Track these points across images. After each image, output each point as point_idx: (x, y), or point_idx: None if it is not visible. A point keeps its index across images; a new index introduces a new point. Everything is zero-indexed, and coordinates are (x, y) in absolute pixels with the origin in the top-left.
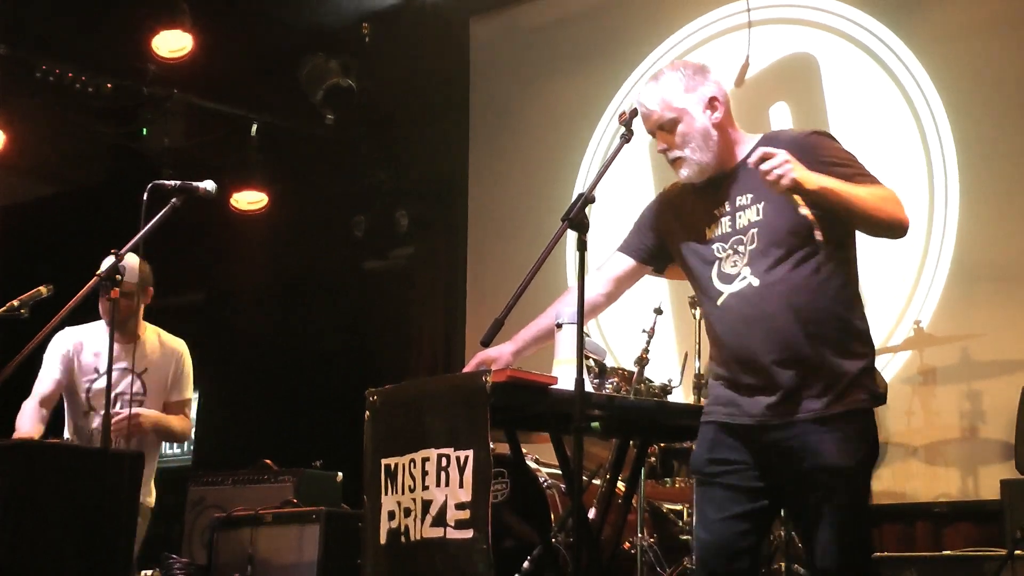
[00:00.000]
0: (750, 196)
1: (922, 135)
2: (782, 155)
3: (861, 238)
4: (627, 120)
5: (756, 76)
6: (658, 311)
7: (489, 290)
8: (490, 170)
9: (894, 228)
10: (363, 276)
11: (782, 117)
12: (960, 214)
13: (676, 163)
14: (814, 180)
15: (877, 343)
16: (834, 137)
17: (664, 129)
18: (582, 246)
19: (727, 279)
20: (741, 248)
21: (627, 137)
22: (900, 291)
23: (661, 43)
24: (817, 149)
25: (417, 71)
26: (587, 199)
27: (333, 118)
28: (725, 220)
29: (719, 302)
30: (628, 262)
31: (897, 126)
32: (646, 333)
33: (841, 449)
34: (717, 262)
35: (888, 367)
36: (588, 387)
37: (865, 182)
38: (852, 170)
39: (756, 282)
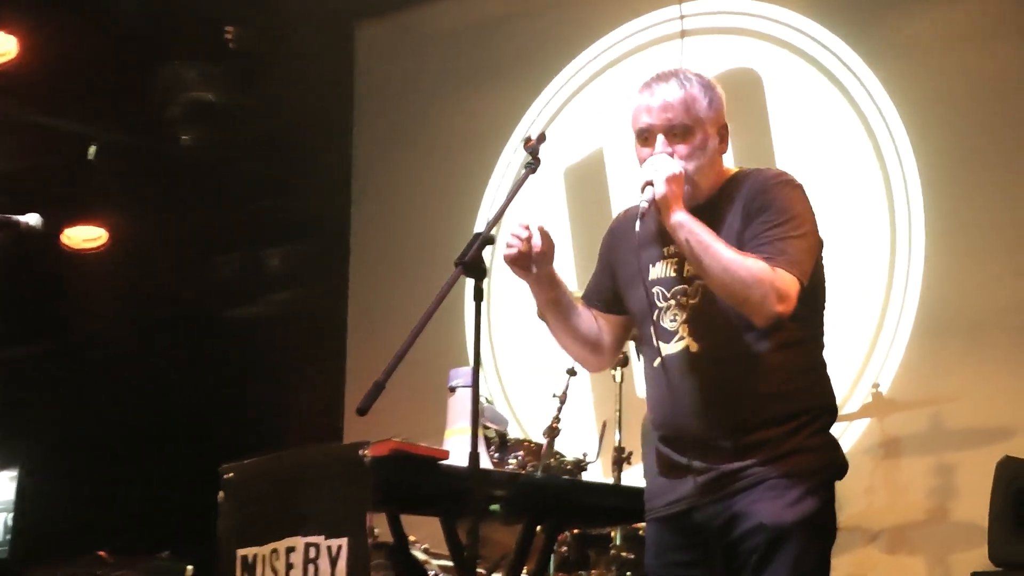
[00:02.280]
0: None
1: (882, 164)
2: (667, 167)
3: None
4: (533, 147)
5: None
6: (571, 372)
7: (374, 343)
8: (377, 202)
9: (751, 313)
10: (226, 326)
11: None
12: (926, 257)
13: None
14: (673, 216)
15: None
16: (799, 187)
17: (673, 134)
18: (478, 295)
19: (665, 336)
20: (683, 300)
21: (533, 167)
22: (856, 350)
23: (579, 55)
24: (761, 194)
25: (293, 84)
26: (485, 239)
27: (190, 138)
28: (671, 263)
29: (655, 362)
30: (596, 315)
31: (853, 154)
32: (557, 398)
33: (779, 507)
34: (657, 312)
35: (843, 438)
36: (486, 462)
37: (767, 252)
38: (772, 229)
39: (694, 346)
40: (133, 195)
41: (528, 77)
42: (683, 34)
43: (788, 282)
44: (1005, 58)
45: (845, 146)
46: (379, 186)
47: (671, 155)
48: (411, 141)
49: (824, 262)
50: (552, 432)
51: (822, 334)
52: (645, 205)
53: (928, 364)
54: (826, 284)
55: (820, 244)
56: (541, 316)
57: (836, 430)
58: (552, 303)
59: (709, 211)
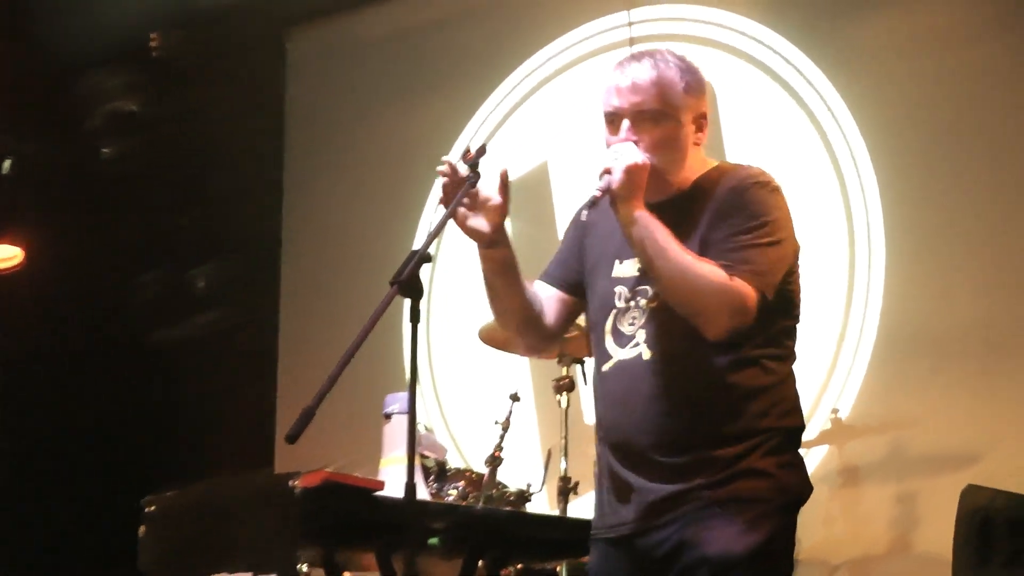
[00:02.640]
0: (677, 234)
1: (839, 177)
2: (629, 156)
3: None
4: (473, 160)
5: None
6: (515, 398)
7: (307, 366)
8: (310, 218)
9: (702, 325)
10: (149, 350)
11: None
12: (887, 274)
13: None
14: (630, 213)
15: None
16: (776, 190)
17: (642, 119)
18: (415, 316)
19: (620, 339)
20: (642, 302)
21: (473, 181)
22: (814, 373)
23: (523, 63)
24: (733, 195)
25: (221, 94)
26: (422, 257)
27: (112, 151)
28: (638, 261)
29: (605, 367)
30: (550, 291)
31: (810, 167)
32: (500, 425)
33: (727, 536)
34: (614, 313)
35: None
36: (424, 493)
37: (729, 259)
38: (738, 235)
39: (647, 354)
40: (50, 212)
41: (470, 86)
42: (632, 42)
43: (746, 295)
44: (966, 65)
45: (801, 159)
46: (312, 201)
47: (637, 143)
48: (346, 153)
49: (796, 275)
50: (494, 461)
51: (792, 350)
52: (597, 193)
53: (889, 387)
54: (799, 300)
55: (794, 253)
56: (489, 281)
57: None
58: (507, 264)
59: (677, 207)
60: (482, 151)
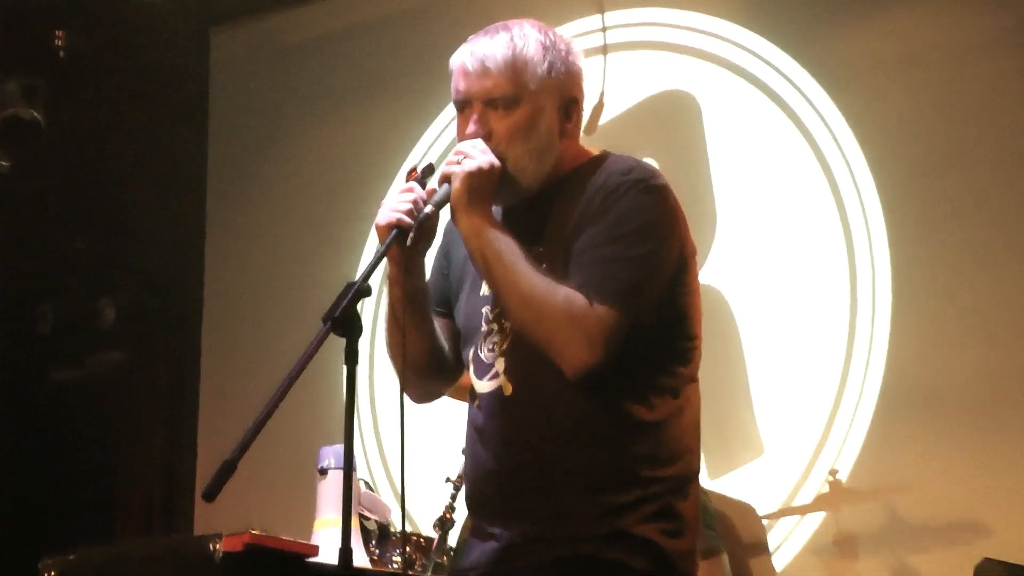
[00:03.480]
0: (542, 239)
1: (840, 207)
2: (474, 158)
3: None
4: (419, 179)
5: (614, 121)
6: None
7: (231, 413)
8: (236, 243)
9: (556, 359)
10: (49, 390)
11: None
12: (892, 320)
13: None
14: (470, 225)
15: (776, 501)
16: (656, 189)
17: (493, 106)
18: (351, 357)
19: (480, 370)
20: (505, 325)
21: (430, 216)
22: (809, 432)
23: None
24: (602, 196)
25: (134, 101)
26: (359, 291)
27: (9, 164)
28: None
29: (473, 404)
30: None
31: (807, 194)
32: (452, 483)
33: None
34: (479, 338)
35: (794, 535)
36: (363, 559)
37: (587, 277)
38: (602, 247)
39: (508, 388)
40: None
41: (422, 93)
42: (606, 49)
43: (604, 322)
44: (979, 79)
45: (795, 183)
46: (238, 224)
47: (488, 137)
48: (278, 169)
49: (689, 285)
50: (444, 524)
51: (687, 377)
52: (430, 208)
53: (894, 446)
54: (696, 315)
55: (676, 261)
56: (393, 311)
57: (786, 525)
58: (419, 293)
59: (538, 210)
60: (430, 170)
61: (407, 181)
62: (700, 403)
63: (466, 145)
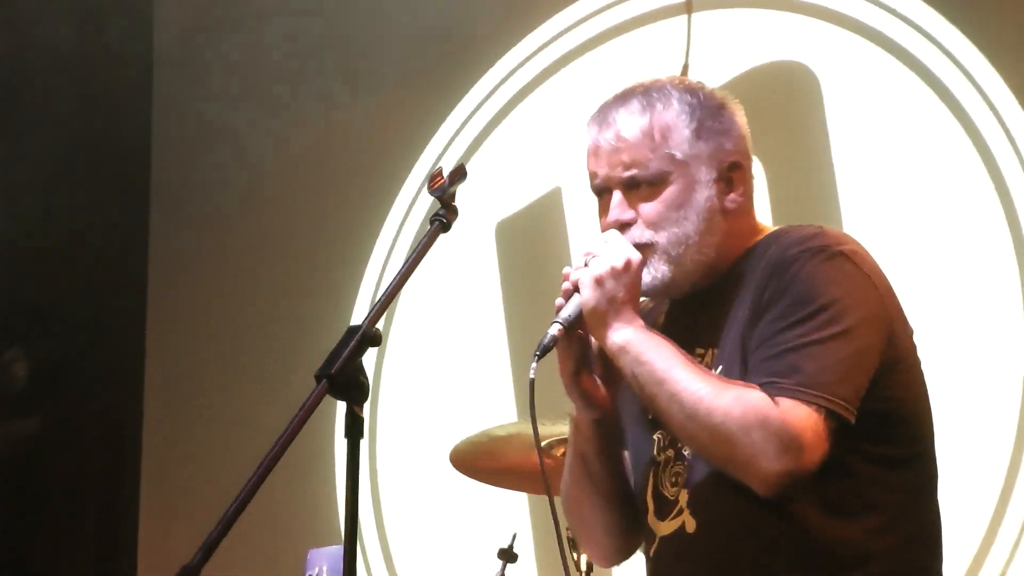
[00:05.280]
0: (714, 339)
1: (1010, 213)
2: (604, 258)
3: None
4: (444, 188)
5: None
6: (508, 557)
7: (183, 502)
8: (187, 273)
9: (742, 477)
10: None
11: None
12: None
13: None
14: (611, 338)
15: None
16: (839, 256)
17: (633, 186)
18: (354, 428)
19: (662, 507)
20: (683, 450)
21: (444, 221)
22: (970, 525)
23: (517, 43)
24: (775, 274)
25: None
26: (366, 338)
27: None
28: None
29: (651, 551)
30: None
31: (968, 199)
32: None
33: None
34: (655, 469)
35: None
36: None
37: (770, 371)
38: (784, 332)
39: (691, 524)
40: None
41: (438, 75)
42: (690, 7)
43: (797, 424)
44: None
45: (951, 183)
46: (190, 252)
47: (629, 226)
48: (238, 180)
49: (906, 374)
50: None
51: (925, 485)
52: (555, 331)
53: None
54: (921, 412)
55: (885, 346)
56: (584, 461)
57: None
58: (609, 431)
59: (710, 302)
60: (459, 174)
61: (432, 189)
62: (939, 522)
63: (596, 241)
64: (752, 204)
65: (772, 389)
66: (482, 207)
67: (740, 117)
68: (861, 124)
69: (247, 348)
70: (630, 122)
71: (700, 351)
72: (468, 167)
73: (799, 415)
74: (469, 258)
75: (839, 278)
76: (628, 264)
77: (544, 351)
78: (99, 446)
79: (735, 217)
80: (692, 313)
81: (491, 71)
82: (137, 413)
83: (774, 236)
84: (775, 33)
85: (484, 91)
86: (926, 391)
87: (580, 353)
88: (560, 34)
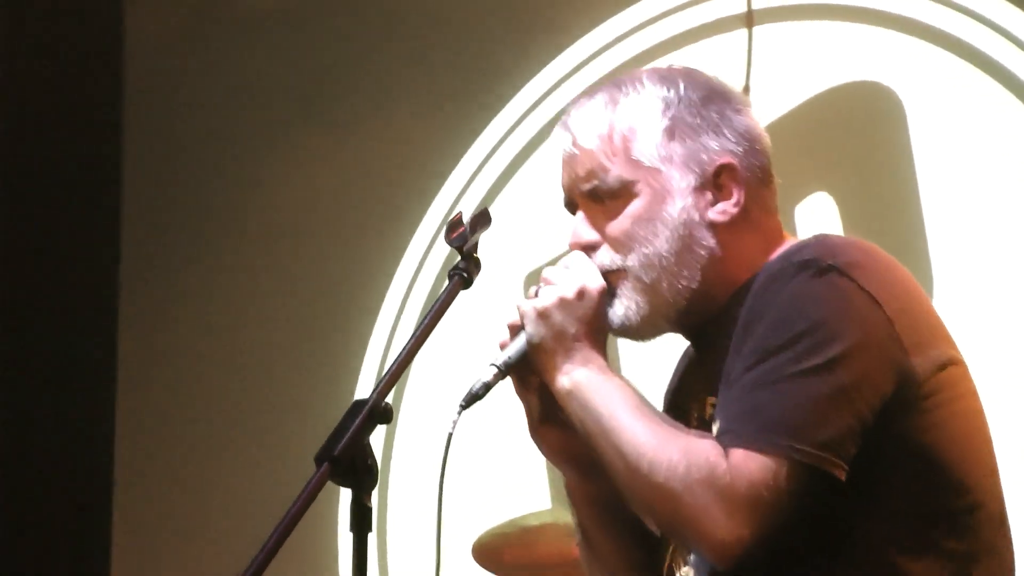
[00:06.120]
0: (714, 385)
1: None
2: (557, 285)
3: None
4: (465, 236)
5: (767, 129)
6: None
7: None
8: (163, 323)
9: (690, 544)
10: None
11: (821, 218)
12: None
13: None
14: (559, 379)
15: None
16: (822, 271)
17: (597, 201)
18: (361, 517)
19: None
20: None
21: (465, 275)
22: None
23: (548, 63)
24: (757, 296)
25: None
26: (375, 413)
27: None
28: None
29: None
30: None
31: None
32: None
33: None
34: (671, 547)
35: None
36: None
37: (728, 415)
38: (755, 368)
39: None
40: None
41: (459, 95)
42: (751, 19)
43: (750, 475)
44: None
45: None
46: (163, 300)
47: (595, 248)
48: (224, 206)
49: (956, 403)
50: None
51: (984, 548)
52: (492, 373)
53: None
54: (968, 458)
55: (896, 377)
56: (584, 531)
57: None
58: (606, 495)
59: (720, 338)
60: (482, 220)
61: (450, 238)
62: None
63: (556, 267)
64: (766, 215)
65: (727, 438)
66: (508, 257)
67: (740, 109)
68: (952, 154)
69: (235, 439)
70: (588, 124)
71: (712, 401)
72: (492, 211)
73: (751, 469)
74: (494, 317)
75: (827, 297)
76: (582, 292)
77: (471, 399)
78: (67, 495)
79: (730, 231)
80: (702, 353)
81: (518, 96)
82: (107, 464)
83: (794, 248)
84: (850, 49)
85: (510, 120)
86: (978, 426)
87: (543, 400)
88: (596, 54)
